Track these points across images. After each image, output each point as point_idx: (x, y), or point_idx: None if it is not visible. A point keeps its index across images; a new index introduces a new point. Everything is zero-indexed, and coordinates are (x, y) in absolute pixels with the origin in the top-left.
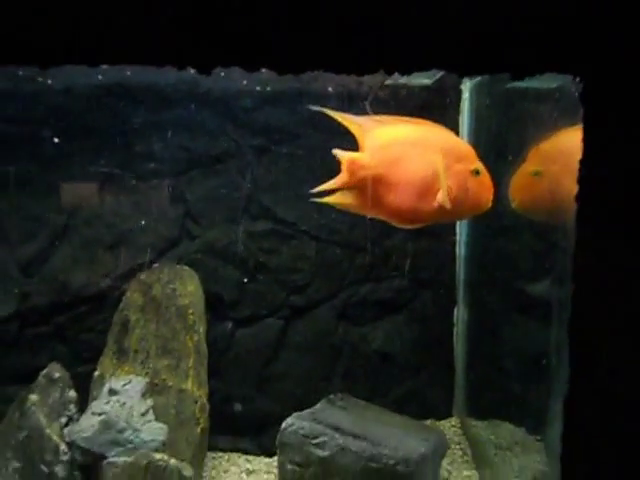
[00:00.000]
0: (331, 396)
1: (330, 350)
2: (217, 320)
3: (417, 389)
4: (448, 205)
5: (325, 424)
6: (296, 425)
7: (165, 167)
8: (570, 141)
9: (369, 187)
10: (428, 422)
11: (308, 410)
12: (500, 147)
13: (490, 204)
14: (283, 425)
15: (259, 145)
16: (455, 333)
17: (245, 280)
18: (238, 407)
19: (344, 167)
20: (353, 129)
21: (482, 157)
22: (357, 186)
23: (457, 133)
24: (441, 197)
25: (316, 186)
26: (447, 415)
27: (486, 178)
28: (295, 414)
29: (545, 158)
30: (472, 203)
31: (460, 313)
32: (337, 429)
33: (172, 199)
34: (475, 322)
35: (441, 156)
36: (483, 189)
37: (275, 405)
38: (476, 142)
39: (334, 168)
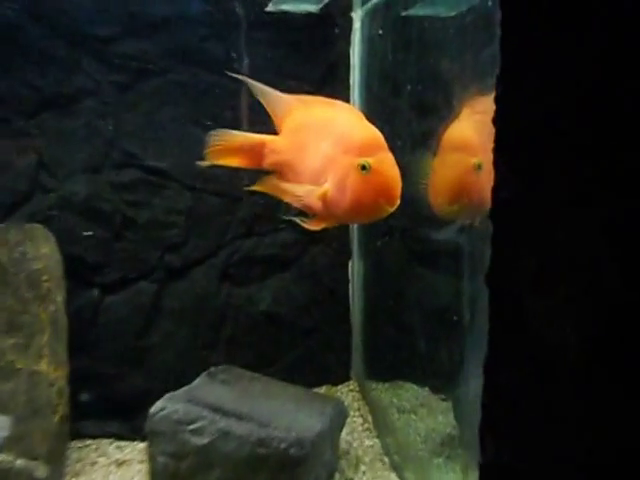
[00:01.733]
0: (212, 369)
1: (212, 315)
2: (79, 287)
3: (310, 353)
4: (317, 206)
5: (203, 404)
6: (168, 409)
7: (12, 109)
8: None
9: (283, 173)
10: (323, 389)
11: (183, 388)
12: (396, 79)
13: (387, 208)
14: (152, 410)
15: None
16: (351, 290)
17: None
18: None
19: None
20: (273, 109)
21: (376, 90)
22: (275, 170)
23: (348, 65)
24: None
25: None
26: (345, 379)
27: (379, 176)
28: (167, 395)
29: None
30: (355, 205)
31: (355, 267)
32: (217, 410)
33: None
34: (373, 276)
35: (330, 146)
36: (370, 189)
37: (150, 382)
38: (368, 74)
39: (211, 106)
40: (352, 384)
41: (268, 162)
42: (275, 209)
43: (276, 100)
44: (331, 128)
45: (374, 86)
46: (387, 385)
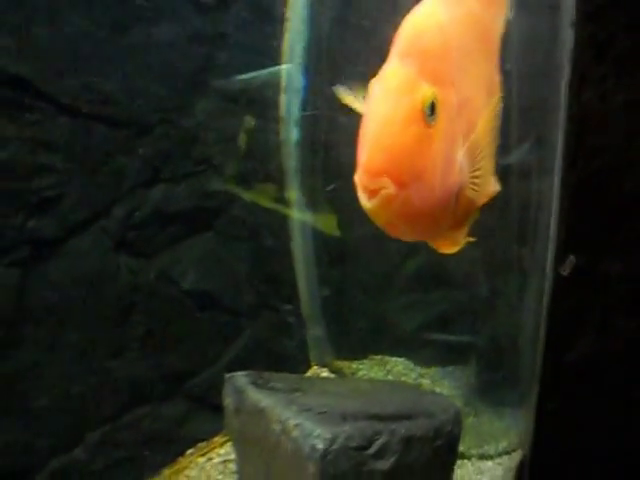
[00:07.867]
0: (238, 380)
1: (110, 303)
2: None
3: (257, 340)
4: None
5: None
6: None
7: None
8: None
9: None
10: None
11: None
12: None
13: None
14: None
15: None
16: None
17: None
18: None
19: None
20: None
21: None
22: None
23: None
24: None
25: None
26: (305, 366)
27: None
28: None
29: None
30: None
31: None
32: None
33: None
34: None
35: None
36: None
37: (29, 428)
38: None
39: None
40: (317, 369)
41: None
42: (189, 144)
43: None
44: None
45: None
46: (367, 362)
